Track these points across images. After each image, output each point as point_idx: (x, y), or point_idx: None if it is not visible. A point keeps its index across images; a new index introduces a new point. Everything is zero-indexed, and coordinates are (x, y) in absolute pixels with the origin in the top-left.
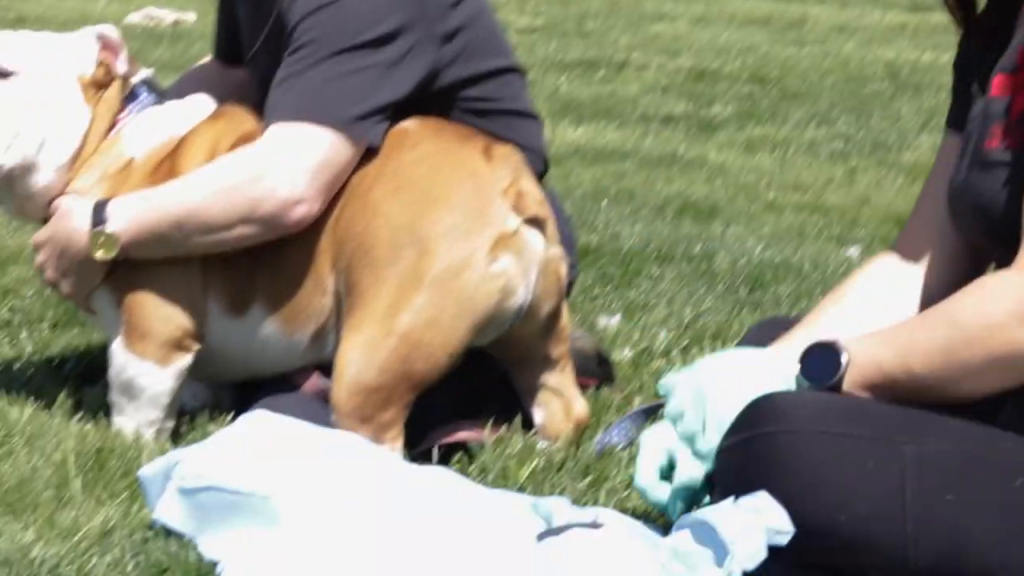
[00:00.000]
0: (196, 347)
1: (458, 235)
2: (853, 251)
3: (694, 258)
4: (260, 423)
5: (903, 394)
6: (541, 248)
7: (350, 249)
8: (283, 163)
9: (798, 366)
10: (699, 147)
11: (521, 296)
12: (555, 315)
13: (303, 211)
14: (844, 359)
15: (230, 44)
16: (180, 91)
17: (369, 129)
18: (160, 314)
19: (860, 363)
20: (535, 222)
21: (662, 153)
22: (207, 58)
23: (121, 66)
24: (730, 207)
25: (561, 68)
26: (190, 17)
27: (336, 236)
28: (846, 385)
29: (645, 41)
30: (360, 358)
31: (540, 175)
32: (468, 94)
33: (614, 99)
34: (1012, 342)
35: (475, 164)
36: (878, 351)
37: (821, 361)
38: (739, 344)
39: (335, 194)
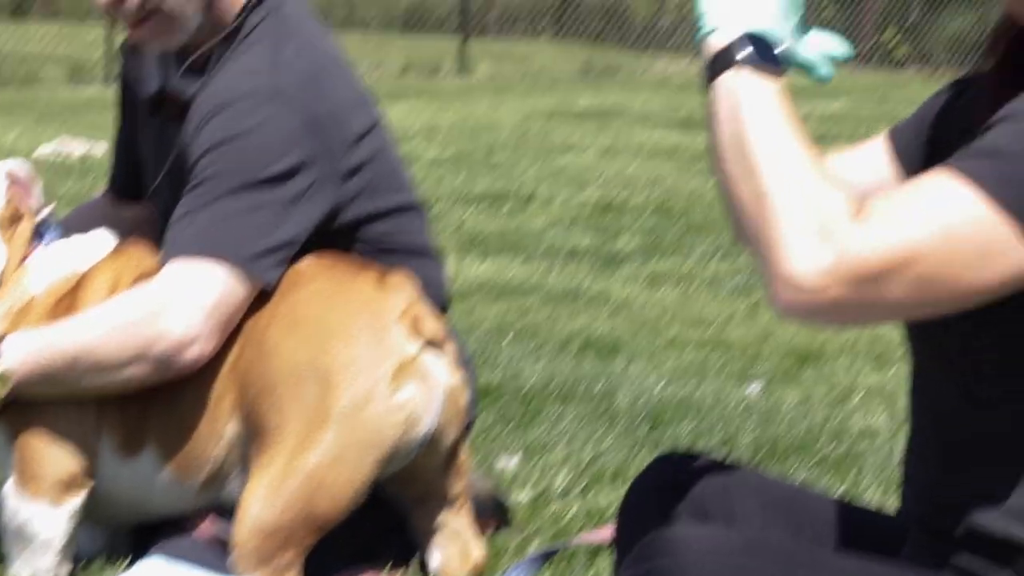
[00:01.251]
0: (89, 484)
1: (359, 367)
2: (754, 387)
3: (595, 396)
4: (153, 571)
5: None
6: (443, 372)
7: (252, 392)
8: (179, 301)
9: None
10: (603, 281)
11: (427, 424)
12: (456, 447)
13: (198, 350)
14: None
15: (128, 177)
16: (71, 226)
17: (268, 268)
18: (52, 454)
19: None
20: (434, 345)
21: (566, 288)
22: (100, 192)
23: (31, 202)
24: (633, 343)
25: (468, 201)
26: (100, 149)
27: (235, 380)
28: None
29: (552, 173)
30: (263, 498)
31: (441, 313)
32: (369, 231)
33: (520, 233)
34: None
35: (369, 294)
36: None
37: None
38: (636, 482)
39: (232, 338)
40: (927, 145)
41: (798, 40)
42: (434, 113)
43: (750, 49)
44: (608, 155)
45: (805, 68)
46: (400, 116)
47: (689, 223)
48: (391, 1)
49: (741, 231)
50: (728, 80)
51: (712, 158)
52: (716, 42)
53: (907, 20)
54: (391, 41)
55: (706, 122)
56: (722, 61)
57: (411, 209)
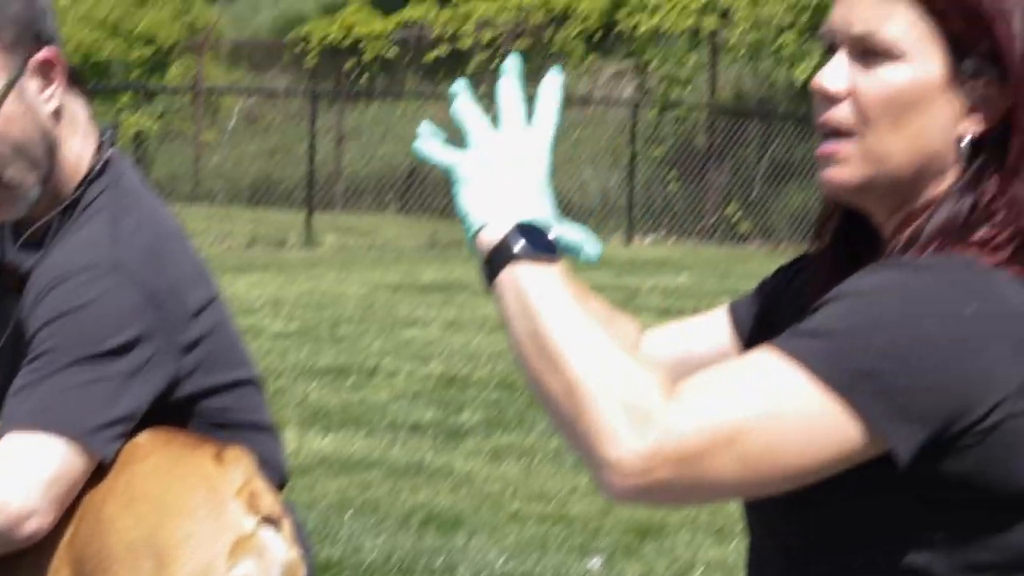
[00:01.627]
0: None
1: (196, 543)
2: (595, 561)
3: (436, 571)
4: None
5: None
6: (280, 548)
7: (88, 568)
8: (15, 474)
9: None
10: (446, 455)
11: None
12: None
13: (35, 524)
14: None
15: None
16: None
17: (106, 441)
18: None
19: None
20: (271, 522)
21: (409, 462)
22: None
23: None
24: (474, 517)
25: (312, 374)
26: None
27: (71, 555)
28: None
29: (397, 346)
30: None
31: (279, 489)
32: (207, 405)
33: (364, 406)
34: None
35: (206, 469)
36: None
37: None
38: None
39: (68, 512)
40: (763, 322)
41: (558, 223)
42: (280, 286)
43: (523, 241)
44: (452, 328)
45: (572, 250)
46: (246, 289)
47: (531, 397)
48: (237, 174)
49: (557, 424)
50: (510, 276)
51: (514, 356)
52: (488, 239)
53: (750, 196)
54: (238, 214)
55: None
56: (499, 258)
57: (249, 384)
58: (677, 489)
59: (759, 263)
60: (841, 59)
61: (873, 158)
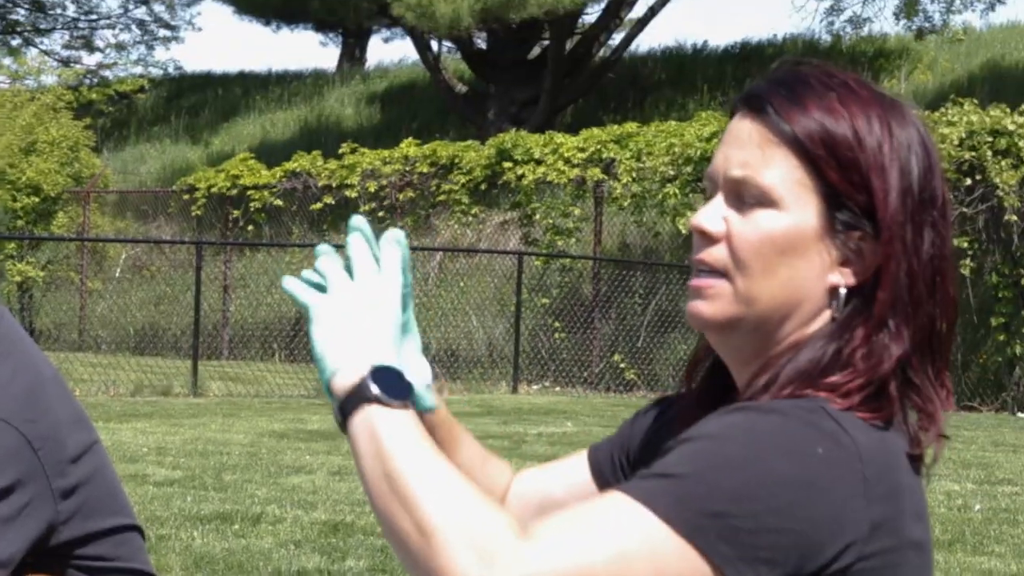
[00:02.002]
0: None
1: None
2: None
3: None
4: None
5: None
6: None
7: None
8: None
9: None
10: None
11: None
12: None
13: None
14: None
15: None
16: None
17: None
18: None
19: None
20: None
21: None
22: None
23: None
24: None
25: (197, 521)
26: None
27: None
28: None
29: (282, 494)
30: None
31: None
32: (84, 552)
33: (248, 553)
34: None
35: None
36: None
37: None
38: None
39: None
40: (620, 464)
41: (405, 369)
42: (165, 433)
43: (376, 385)
44: (338, 476)
45: (414, 400)
46: (131, 436)
47: None
48: (123, 322)
49: (407, 563)
50: (363, 419)
51: (367, 496)
52: (342, 383)
53: (635, 344)
54: (124, 361)
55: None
56: (353, 400)
57: (129, 530)
58: None
59: None
60: (719, 201)
61: (743, 299)
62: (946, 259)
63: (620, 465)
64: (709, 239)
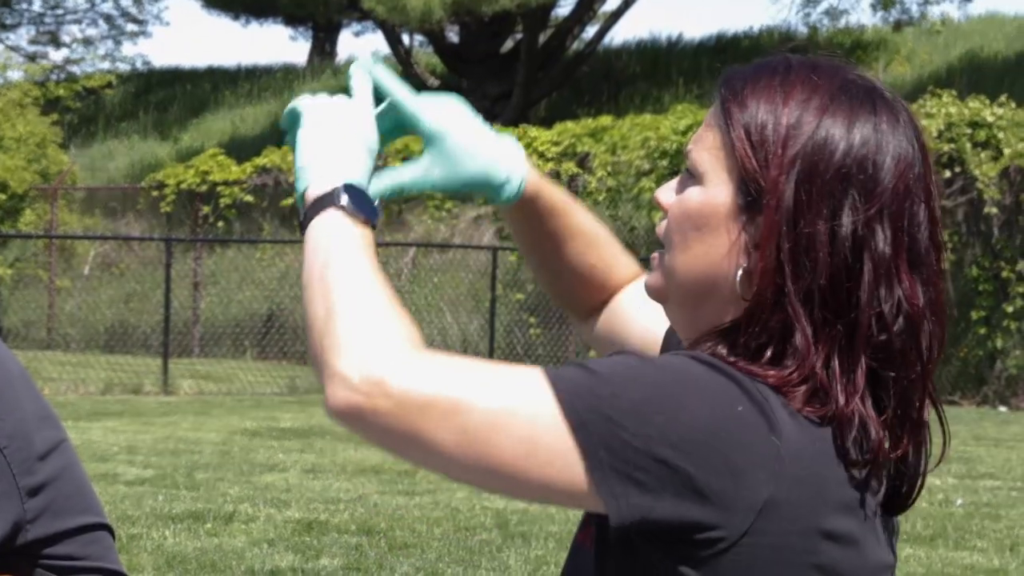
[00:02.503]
0: None
1: None
2: None
3: None
4: None
5: None
6: None
7: None
8: None
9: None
10: None
11: None
12: None
13: None
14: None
15: None
16: None
17: None
18: None
19: None
20: None
21: None
22: None
23: None
24: None
25: (169, 520)
26: None
27: None
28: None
29: (255, 492)
30: None
31: None
32: (53, 552)
33: (220, 552)
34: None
35: None
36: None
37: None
38: None
39: None
40: None
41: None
42: (136, 432)
43: (346, 197)
44: (311, 474)
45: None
46: (102, 435)
47: (392, 542)
48: (93, 320)
49: (310, 346)
50: (323, 221)
51: (302, 291)
52: (315, 193)
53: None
54: (93, 360)
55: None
56: (319, 206)
57: (99, 529)
58: (392, 431)
59: None
60: (679, 177)
61: (666, 271)
62: (894, 254)
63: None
64: (664, 212)
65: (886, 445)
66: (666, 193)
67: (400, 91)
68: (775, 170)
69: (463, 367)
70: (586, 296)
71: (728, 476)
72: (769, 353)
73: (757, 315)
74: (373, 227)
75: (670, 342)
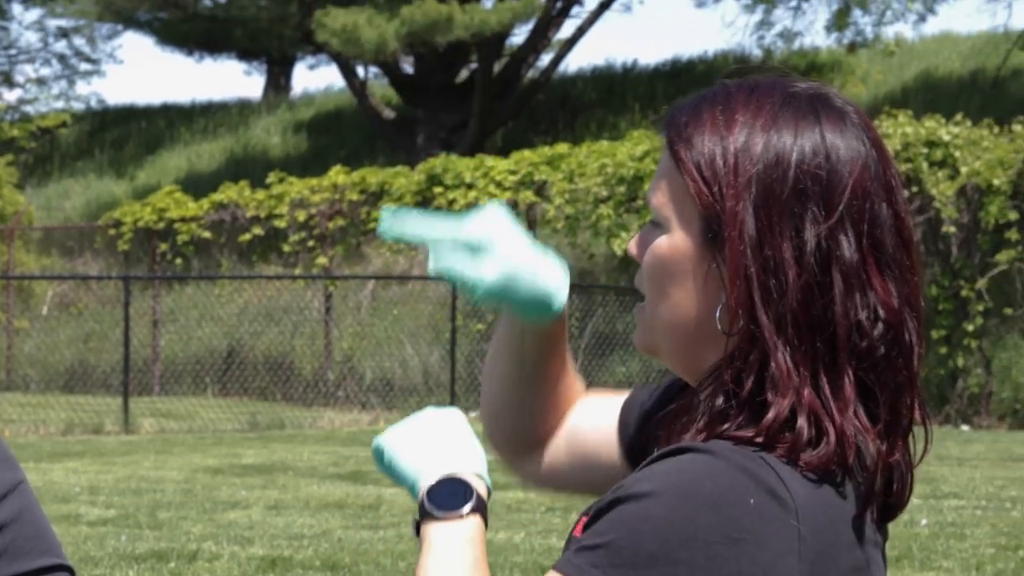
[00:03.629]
0: None
1: None
2: None
3: None
4: None
5: None
6: None
7: None
8: None
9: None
10: None
11: None
12: None
13: None
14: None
15: None
16: None
17: None
18: None
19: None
20: None
21: None
22: None
23: None
24: None
25: (132, 560)
26: None
27: None
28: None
29: (218, 530)
30: None
31: None
32: None
33: None
34: None
35: None
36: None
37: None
38: None
39: None
40: (644, 423)
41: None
42: (98, 472)
43: (431, 503)
44: (274, 510)
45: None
46: (63, 475)
47: (356, 575)
48: (52, 360)
49: None
50: (424, 532)
51: None
52: (420, 494)
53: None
54: (53, 400)
55: None
56: (420, 514)
57: (59, 570)
58: None
59: None
60: (646, 226)
61: (648, 324)
62: (861, 260)
63: (641, 430)
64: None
65: (883, 451)
66: (636, 245)
67: (438, 230)
68: (731, 200)
69: None
70: (552, 423)
71: (765, 572)
72: (753, 385)
73: (739, 347)
74: (476, 511)
75: (630, 414)
